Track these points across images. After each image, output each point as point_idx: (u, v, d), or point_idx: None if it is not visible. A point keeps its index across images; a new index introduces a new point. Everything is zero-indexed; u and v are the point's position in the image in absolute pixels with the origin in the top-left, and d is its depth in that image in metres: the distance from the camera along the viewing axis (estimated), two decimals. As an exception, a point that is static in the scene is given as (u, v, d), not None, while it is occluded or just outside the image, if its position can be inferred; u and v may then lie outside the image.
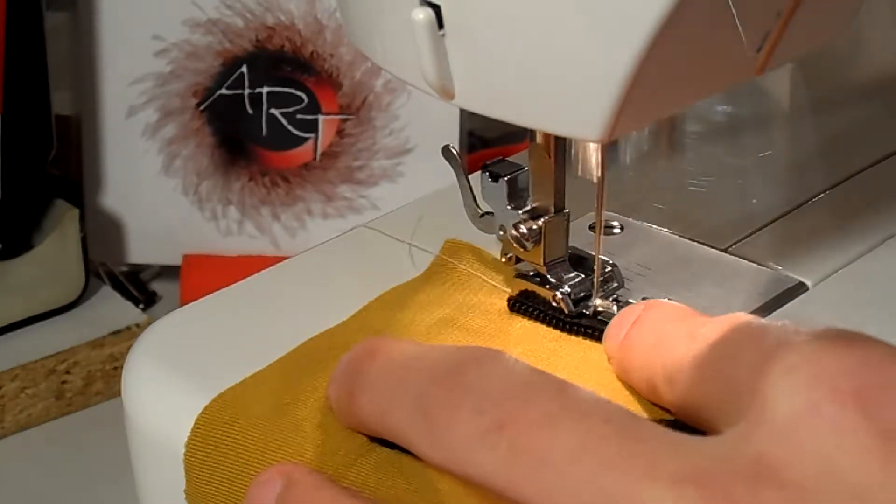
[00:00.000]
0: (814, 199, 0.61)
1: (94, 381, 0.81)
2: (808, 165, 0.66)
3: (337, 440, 0.45)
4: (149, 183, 0.89)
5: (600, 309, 0.50)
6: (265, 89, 0.88)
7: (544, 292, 0.51)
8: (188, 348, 0.52)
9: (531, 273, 0.51)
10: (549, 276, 0.51)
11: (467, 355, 0.34)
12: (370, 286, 0.53)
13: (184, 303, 0.80)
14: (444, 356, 0.34)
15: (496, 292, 0.52)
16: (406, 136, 0.88)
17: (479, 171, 0.52)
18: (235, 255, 0.89)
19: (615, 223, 0.57)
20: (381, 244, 0.58)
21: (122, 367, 0.53)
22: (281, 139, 0.89)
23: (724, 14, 0.41)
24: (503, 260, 0.52)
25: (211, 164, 0.89)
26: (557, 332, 0.50)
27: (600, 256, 0.50)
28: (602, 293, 0.50)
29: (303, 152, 0.89)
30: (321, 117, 0.89)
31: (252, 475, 0.46)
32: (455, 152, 0.52)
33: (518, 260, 0.52)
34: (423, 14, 0.43)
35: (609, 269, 0.50)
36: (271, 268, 0.57)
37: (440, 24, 0.43)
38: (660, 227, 0.57)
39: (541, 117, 0.44)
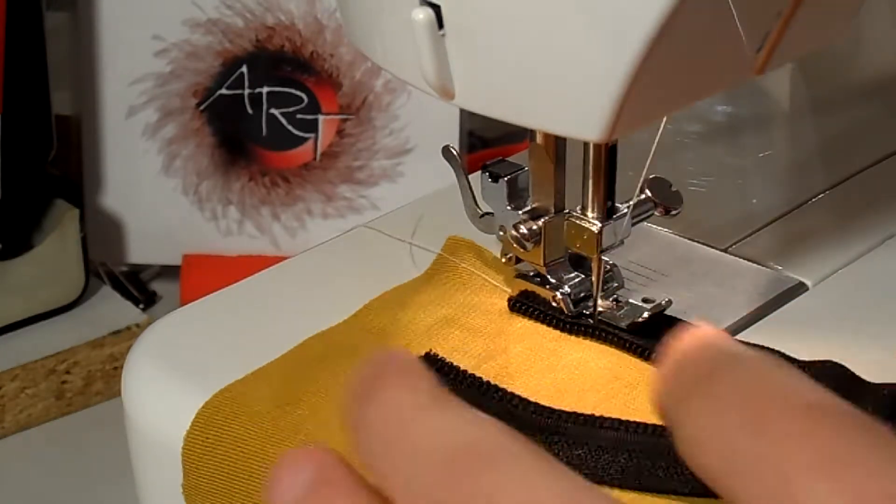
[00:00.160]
0: (814, 199, 0.61)
1: (94, 381, 0.81)
2: (808, 165, 0.66)
3: (338, 437, 0.45)
4: (149, 183, 0.89)
5: (601, 309, 0.50)
6: (265, 89, 0.88)
7: (544, 292, 0.51)
8: (188, 348, 0.52)
9: (531, 273, 0.51)
10: (549, 277, 0.51)
11: (476, 442, 0.25)
12: (370, 286, 0.53)
13: (184, 303, 0.80)
14: (448, 436, 0.25)
15: (497, 292, 0.52)
16: (406, 136, 0.88)
17: (479, 171, 0.52)
18: (235, 255, 0.89)
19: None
20: (381, 244, 0.58)
21: (122, 367, 0.53)
22: (281, 139, 0.89)
23: (724, 14, 0.41)
24: (503, 260, 0.52)
25: (211, 164, 0.89)
26: (557, 332, 0.50)
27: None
28: (602, 293, 0.50)
29: (303, 152, 0.89)
30: (321, 117, 0.89)
31: (251, 471, 0.46)
32: (455, 152, 0.52)
33: (518, 260, 0.52)
34: (423, 14, 0.43)
35: (609, 269, 0.50)
36: (271, 268, 0.57)
37: (440, 24, 0.43)
38: (660, 227, 0.57)
39: (541, 117, 0.44)
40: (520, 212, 0.51)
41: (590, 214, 0.49)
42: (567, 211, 0.50)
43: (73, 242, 0.82)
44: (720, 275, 0.54)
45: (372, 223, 0.60)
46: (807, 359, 0.47)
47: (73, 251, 0.82)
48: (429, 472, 0.24)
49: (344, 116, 0.88)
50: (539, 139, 0.49)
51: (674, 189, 0.51)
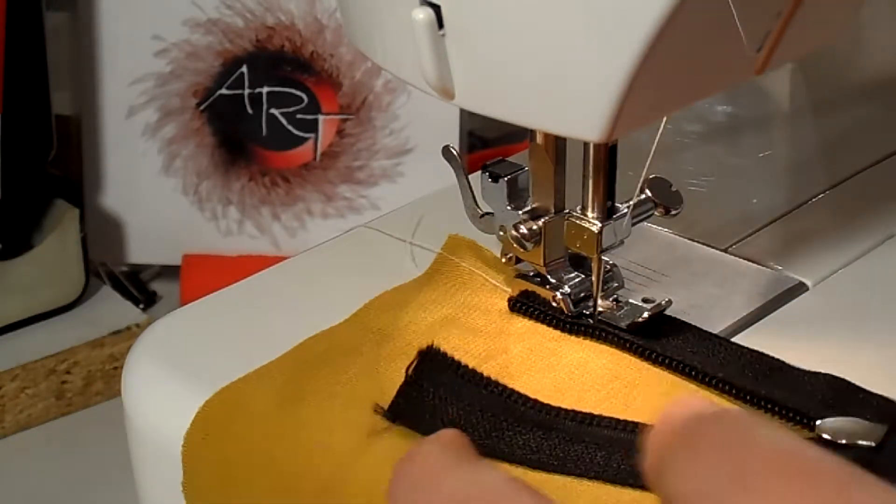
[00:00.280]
0: (814, 199, 0.61)
1: (94, 381, 0.81)
2: (808, 165, 0.66)
3: (340, 436, 0.45)
4: (149, 183, 0.89)
5: (601, 309, 0.50)
6: (265, 89, 0.88)
7: (544, 292, 0.50)
8: (188, 348, 0.52)
9: (531, 273, 0.51)
10: (549, 277, 0.51)
11: (493, 491, 0.27)
12: (370, 286, 0.53)
13: (184, 303, 0.80)
14: (468, 488, 0.27)
15: (497, 292, 0.52)
16: (406, 136, 0.88)
17: (479, 171, 0.52)
18: (235, 255, 0.89)
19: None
20: (381, 244, 0.58)
21: (122, 367, 0.53)
22: (281, 139, 0.89)
23: (724, 14, 0.41)
24: (503, 260, 0.52)
25: (211, 164, 0.89)
26: (557, 332, 0.50)
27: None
28: (602, 293, 0.50)
29: (303, 152, 0.89)
30: (321, 117, 0.89)
31: (250, 470, 0.46)
32: (455, 152, 0.52)
33: (518, 260, 0.52)
34: (423, 14, 0.43)
35: (609, 269, 0.50)
36: (271, 268, 0.57)
37: (440, 24, 0.43)
38: (660, 227, 0.57)
39: (541, 117, 0.44)
40: (520, 212, 0.51)
41: (590, 214, 0.49)
42: (567, 211, 0.50)
43: (73, 242, 0.82)
44: (720, 275, 0.54)
45: (372, 223, 0.60)
46: (807, 360, 0.47)
47: (73, 251, 0.82)
48: None
49: (344, 116, 0.88)
50: (539, 139, 0.49)
51: (674, 189, 0.51)
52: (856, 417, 0.43)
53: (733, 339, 0.49)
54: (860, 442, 0.42)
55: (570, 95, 0.42)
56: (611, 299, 0.50)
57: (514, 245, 0.51)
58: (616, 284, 0.51)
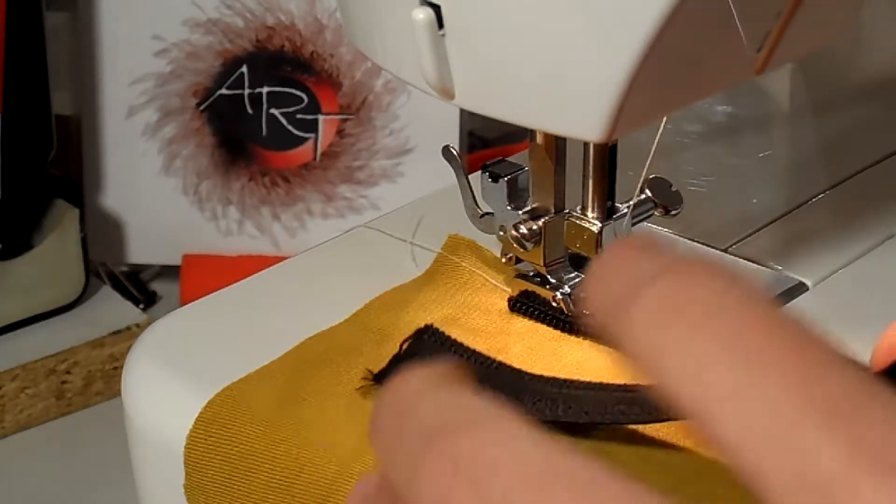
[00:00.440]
0: (814, 199, 0.61)
1: (94, 381, 0.81)
2: (808, 165, 0.66)
3: (342, 435, 0.45)
4: (149, 183, 0.89)
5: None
6: (265, 89, 0.88)
7: (544, 292, 0.51)
8: (188, 348, 0.52)
9: (531, 273, 0.51)
10: (549, 277, 0.51)
11: (467, 410, 0.25)
12: (370, 286, 0.53)
13: (184, 303, 0.80)
14: (443, 406, 0.26)
15: (497, 292, 0.52)
16: (406, 136, 0.88)
17: (479, 171, 0.52)
18: (235, 255, 0.89)
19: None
20: (381, 244, 0.58)
21: (122, 367, 0.53)
22: (281, 139, 0.89)
23: (724, 14, 0.41)
24: (503, 260, 0.52)
25: (211, 164, 0.89)
26: (557, 332, 0.50)
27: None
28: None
29: (303, 152, 0.89)
30: (321, 117, 0.89)
31: (252, 471, 0.46)
32: (455, 152, 0.52)
33: (518, 260, 0.52)
34: (423, 14, 0.43)
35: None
36: (271, 268, 0.57)
37: (440, 24, 0.43)
38: (660, 228, 0.57)
39: (541, 117, 0.44)
40: (520, 212, 0.51)
41: (590, 214, 0.49)
42: (567, 211, 0.50)
43: (73, 242, 0.82)
44: (720, 275, 0.54)
45: (372, 223, 0.60)
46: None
47: (73, 251, 0.82)
48: (412, 436, 0.25)
49: (344, 116, 0.88)
50: (539, 139, 0.49)
51: (674, 189, 0.51)
52: None
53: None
54: None
55: (570, 95, 0.42)
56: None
57: (514, 245, 0.51)
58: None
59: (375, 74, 0.87)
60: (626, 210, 0.49)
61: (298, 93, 0.88)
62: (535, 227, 0.50)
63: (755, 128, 0.69)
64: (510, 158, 0.52)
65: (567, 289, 0.50)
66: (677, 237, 0.57)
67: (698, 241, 0.57)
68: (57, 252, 0.82)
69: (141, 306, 0.86)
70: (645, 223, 0.51)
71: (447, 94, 0.45)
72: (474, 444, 0.24)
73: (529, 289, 0.51)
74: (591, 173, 0.49)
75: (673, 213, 0.51)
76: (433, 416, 0.25)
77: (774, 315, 0.24)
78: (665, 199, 0.50)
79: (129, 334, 0.81)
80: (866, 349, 0.49)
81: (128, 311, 0.84)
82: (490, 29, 0.42)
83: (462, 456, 0.24)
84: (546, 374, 0.48)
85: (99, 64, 0.88)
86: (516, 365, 0.48)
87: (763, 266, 0.55)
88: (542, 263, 0.50)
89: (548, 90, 0.42)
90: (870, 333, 0.46)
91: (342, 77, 0.88)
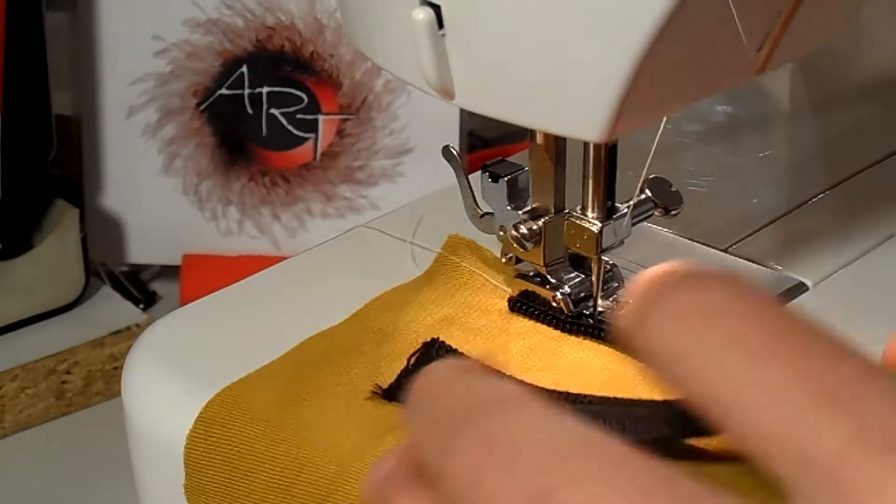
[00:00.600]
0: (814, 199, 0.61)
1: (94, 381, 0.81)
2: (808, 165, 0.66)
3: (342, 435, 0.45)
4: (149, 183, 0.89)
5: (601, 309, 0.50)
6: (265, 89, 0.88)
7: (544, 292, 0.51)
8: (188, 348, 0.52)
9: (531, 273, 0.51)
10: (549, 277, 0.51)
11: (496, 393, 0.26)
12: (370, 286, 0.53)
13: (184, 303, 0.80)
14: (473, 391, 0.27)
15: (497, 292, 0.52)
16: (406, 136, 0.88)
17: (479, 172, 0.52)
18: (235, 255, 0.89)
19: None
20: (381, 244, 0.58)
21: (122, 367, 0.53)
22: (281, 139, 0.89)
23: (724, 14, 0.41)
24: (503, 260, 0.52)
25: (211, 164, 0.89)
26: (557, 332, 0.50)
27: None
28: (602, 293, 0.50)
29: (303, 152, 0.89)
30: (321, 117, 0.89)
31: (252, 471, 0.46)
32: (455, 152, 0.52)
33: (518, 260, 0.52)
34: (423, 14, 0.43)
35: (609, 269, 0.50)
36: (271, 268, 0.57)
37: (440, 24, 0.43)
38: (660, 227, 0.57)
39: (541, 117, 0.44)
40: (520, 212, 0.51)
41: (590, 214, 0.49)
42: (567, 211, 0.50)
43: (73, 242, 0.82)
44: (720, 275, 0.54)
45: (372, 223, 0.60)
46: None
47: (73, 251, 0.82)
48: (444, 420, 0.26)
49: (344, 116, 0.88)
50: (539, 139, 0.49)
51: (674, 189, 0.51)
52: None
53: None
54: None
55: (570, 95, 0.42)
56: (611, 299, 0.50)
57: (514, 245, 0.51)
58: (616, 284, 0.51)
59: (375, 74, 0.87)
60: (626, 210, 0.49)
61: (298, 93, 0.88)
62: (535, 227, 0.50)
63: (755, 128, 0.69)
64: (510, 158, 0.52)
65: (567, 289, 0.50)
66: (676, 237, 0.57)
67: (698, 241, 0.57)
68: (57, 252, 0.82)
69: (141, 306, 0.86)
70: (645, 223, 0.51)
71: (447, 94, 0.45)
72: (505, 424, 0.25)
73: (529, 289, 0.51)
74: (591, 173, 0.49)
75: (673, 213, 0.51)
76: (465, 398, 0.26)
77: (781, 313, 0.25)
78: (665, 199, 0.50)
79: (129, 334, 0.81)
80: (866, 349, 0.49)
81: (128, 311, 0.84)
82: (490, 29, 0.42)
83: (493, 435, 0.25)
84: (549, 376, 0.48)
85: (99, 64, 0.88)
86: (516, 365, 0.48)
87: (763, 266, 0.55)
88: (542, 263, 0.50)
89: (548, 90, 0.42)
90: (870, 333, 0.46)
91: (342, 77, 0.88)
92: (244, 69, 0.88)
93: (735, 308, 0.25)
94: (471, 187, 0.52)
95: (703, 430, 0.26)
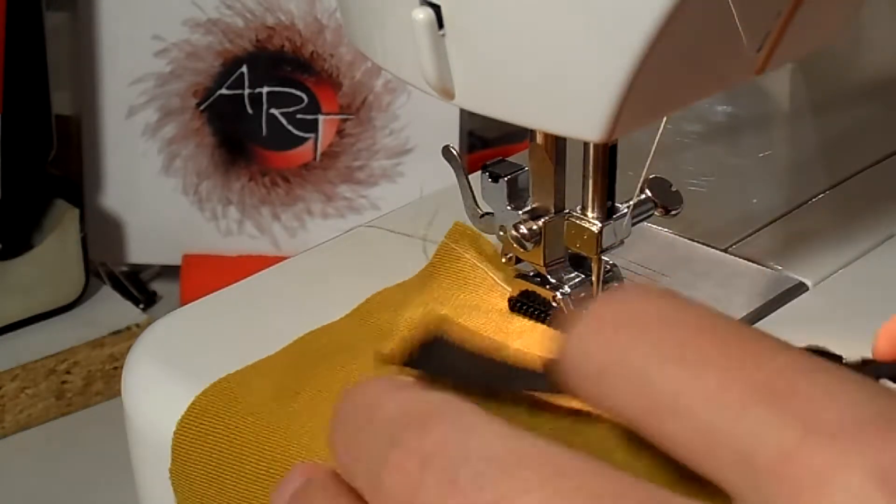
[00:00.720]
0: (814, 199, 0.61)
1: (94, 381, 0.81)
2: (808, 165, 0.66)
3: None
4: (149, 183, 0.89)
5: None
6: (265, 89, 0.88)
7: (544, 292, 0.50)
8: (188, 348, 0.52)
9: (531, 273, 0.51)
10: (549, 277, 0.51)
11: (429, 406, 0.25)
12: (370, 286, 0.53)
13: (184, 303, 0.80)
14: (404, 406, 0.25)
15: (497, 292, 0.52)
16: (406, 136, 0.88)
17: (479, 172, 0.52)
18: (235, 255, 0.89)
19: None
20: (381, 244, 0.58)
21: (122, 367, 0.53)
22: (281, 139, 0.89)
23: (724, 14, 0.41)
24: (503, 260, 0.52)
25: (211, 164, 0.89)
26: (557, 332, 0.50)
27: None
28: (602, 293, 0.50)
29: (303, 152, 0.89)
30: (321, 117, 0.89)
31: (242, 461, 0.46)
32: (455, 152, 0.52)
33: (518, 260, 0.52)
34: (423, 14, 0.43)
35: (609, 269, 0.50)
36: (271, 268, 0.57)
37: (440, 24, 0.43)
38: (660, 227, 0.57)
39: (541, 117, 0.44)
40: (520, 212, 0.51)
41: (590, 214, 0.49)
42: (567, 211, 0.50)
43: (73, 242, 0.82)
44: (720, 275, 0.54)
45: (372, 223, 0.60)
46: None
47: (73, 251, 0.82)
48: (375, 437, 0.25)
49: (344, 116, 0.88)
50: (539, 139, 0.49)
51: (674, 189, 0.51)
52: None
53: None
54: None
55: (570, 95, 0.42)
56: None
57: (514, 245, 0.51)
58: (616, 284, 0.51)
59: (375, 74, 0.87)
60: (626, 210, 0.49)
61: (298, 93, 0.88)
62: (535, 227, 0.50)
63: (755, 128, 0.69)
64: (510, 158, 0.52)
65: (567, 289, 0.50)
66: (676, 237, 0.57)
67: (698, 241, 0.57)
68: (57, 252, 0.82)
69: (141, 306, 0.86)
70: (645, 223, 0.51)
71: (447, 94, 0.45)
72: (440, 437, 0.24)
73: (529, 289, 0.51)
74: (591, 173, 0.49)
75: (673, 213, 0.51)
76: (395, 413, 0.25)
77: (705, 315, 0.24)
78: (665, 199, 0.50)
79: (129, 334, 0.81)
80: (867, 349, 0.49)
81: (128, 311, 0.84)
82: (490, 29, 0.42)
83: (428, 449, 0.23)
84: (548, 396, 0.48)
85: (99, 64, 0.88)
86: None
87: (763, 266, 0.55)
88: (542, 263, 0.50)
89: (548, 90, 0.42)
90: (870, 333, 0.46)
91: (342, 77, 0.88)
92: (244, 69, 0.88)
93: (652, 314, 0.24)
94: (471, 187, 0.52)
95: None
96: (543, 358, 0.47)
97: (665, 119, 0.48)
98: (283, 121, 0.89)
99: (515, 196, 0.51)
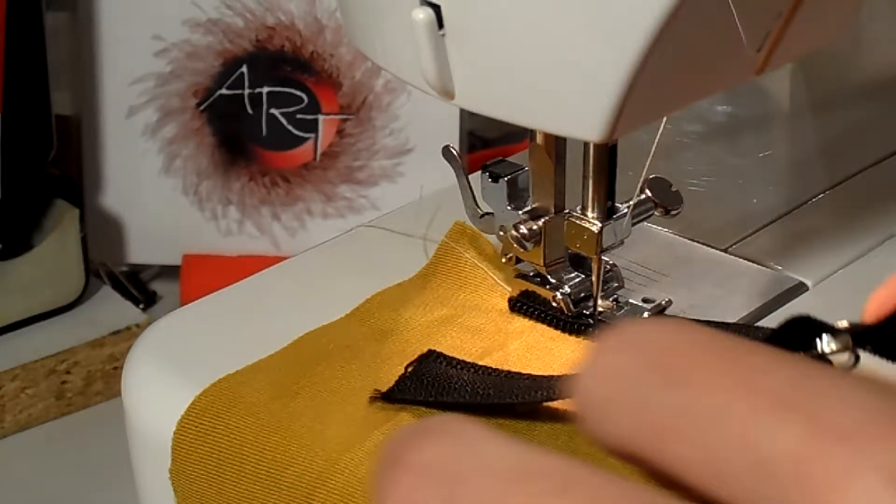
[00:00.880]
0: (814, 199, 0.61)
1: (94, 381, 0.81)
2: (808, 165, 0.66)
3: (333, 428, 0.45)
4: (149, 183, 0.89)
5: (601, 309, 0.50)
6: (265, 89, 0.88)
7: (544, 292, 0.50)
8: (188, 348, 0.52)
9: (531, 273, 0.51)
10: (549, 277, 0.51)
11: (431, 423, 0.24)
12: (370, 286, 0.53)
13: (184, 303, 0.80)
14: (401, 433, 0.25)
15: (497, 292, 0.52)
16: (406, 136, 0.88)
17: (479, 172, 0.52)
18: (235, 255, 0.89)
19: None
20: (382, 244, 0.58)
21: (122, 367, 0.53)
22: (281, 139, 0.89)
23: (724, 14, 0.41)
24: (503, 260, 0.52)
25: (211, 164, 0.89)
26: (557, 332, 0.50)
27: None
28: (602, 293, 0.50)
29: (303, 152, 0.89)
30: (321, 117, 0.89)
31: (242, 460, 0.46)
32: (455, 152, 0.52)
33: (518, 260, 0.52)
34: (423, 14, 0.43)
35: (609, 269, 0.50)
36: (271, 268, 0.57)
37: (440, 24, 0.43)
38: (660, 227, 0.57)
39: (541, 117, 0.44)
40: (520, 212, 0.51)
41: (590, 214, 0.49)
42: (567, 211, 0.50)
43: (73, 242, 0.82)
44: (720, 275, 0.54)
45: (372, 223, 0.60)
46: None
47: (73, 251, 0.82)
48: (383, 463, 0.24)
49: (344, 116, 0.88)
50: (539, 139, 0.49)
51: (674, 189, 0.51)
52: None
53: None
54: None
55: (570, 95, 0.42)
56: (611, 299, 0.50)
57: (514, 245, 0.51)
58: (616, 284, 0.51)
59: (375, 74, 0.87)
60: (626, 210, 0.49)
61: (298, 93, 0.88)
62: (535, 227, 0.50)
63: (755, 128, 0.69)
64: (510, 158, 0.52)
65: (567, 289, 0.50)
66: (676, 237, 0.57)
67: (698, 241, 0.57)
68: (57, 252, 0.82)
69: (141, 306, 0.86)
70: (645, 223, 0.51)
71: (447, 94, 0.45)
72: (443, 450, 0.23)
73: (529, 289, 0.51)
74: (591, 173, 0.49)
75: (673, 213, 0.51)
76: (400, 436, 0.24)
77: (712, 339, 0.23)
78: (665, 199, 0.50)
79: (129, 334, 0.81)
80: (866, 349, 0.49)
81: (128, 311, 0.84)
82: (490, 29, 0.42)
83: (427, 465, 0.23)
84: (542, 373, 0.48)
85: (99, 64, 0.88)
86: (513, 362, 0.48)
87: (763, 266, 0.55)
88: (542, 263, 0.50)
89: (548, 90, 0.42)
90: (870, 333, 0.46)
91: (342, 77, 0.88)
92: (244, 69, 0.88)
93: (657, 343, 0.23)
94: (471, 187, 0.52)
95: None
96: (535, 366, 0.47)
97: (665, 119, 0.48)
98: (283, 121, 0.89)
99: (515, 196, 0.51)
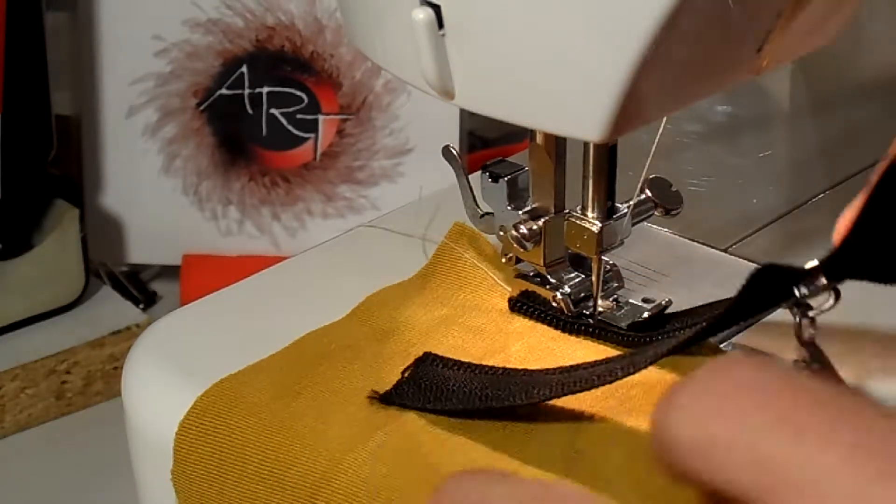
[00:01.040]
0: (814, 199, 0.61)
1: (94, 381, 0.81)
2: (808, 165, 0.66)
3: (335, 428, 0.45)
4: (149, 183, 0.89)
5: (601, 309, 0.50)
6: (265, 89, 0.88)
7: (545, 292, 0.51)
8: (188, 348, 0.52)
9: (531, 273, 0.51)
10: (549, 277, 0.51)
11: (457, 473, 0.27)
12: (370, 286, 0.53)
13: (184, 303, 0.80)
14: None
15: (497, 292, 0.52)
16: (406, 136, 0.88)
17: (479, 172, 0.52)
18: (235, 255, 0.89)
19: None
20: (382, 244, 0.58)
21: (122, 367, 0.53)
22: (281, 139, 0.89)
23: (724, 14, 0.41)
24: (503, 260, 0.52)
25: (211, 164, 0.89)
26: (557, 332, 0.50)
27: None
28: (602, 293, 0.50)
29: (303, 152, 0.89)
30: (321, 117, 0.89)
31: (244, 461, 0.46)
32: (455, 152, 0.52)
33: (518, 260, 0.52)
34: (424, 14, 0.43)
35: (609, 269, 0.50)
36: (271, 268, 0.57)
37: (440, 24, 0.43)
38: (660, 227, 0.57)
39: (541, 117, 0.44)
40: (520, 212, 0.51)
41: (590, 214, 0.49)
42: (567, 211, 0.50)
43: (73, 242, 0.82)
44: (720, 275, 0.54)
45: (372, 223, 0.60)
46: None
47: (73, 251, 0.82)
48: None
49: (344, 116, 0.88)
50: (539, 139, 0.49)
51: (674, 189, 0.51)
52: None
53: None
54: None
55: (570, 95, 0.42)
56: (611, 299, 0.50)
57: (514, 245, 0.51)
58: (616, 284, 0.51)
59: (375, 74, 0.87)
60: (626, 210, 0.49)
61: (298, 93, 0.88)
62: (535, 227, 0.50)
63: (755, 128, 0.69)
64: (510, 158, 0.52)
65: (567, 289, 0.50)
66: (676, 237, 0.57)
67: (698, 241, 0.57)
68: (57, 252, 0.82)
69: (141, 306, 0.86)
70: (645, 223, 0.51)
71: (447, 94, 0.45)
72: (470, 484, 0.25)
73: (529, 289, 0.51)
74: (591, 173, 0.49)
75: (673, 213, 0.51)
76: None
77: (813, 386, 0.24)
78: (665, 199, 0.50)
79: (129, 334, 0.81)
80: (866, 349, 0.49)
81: (128, 311, 0.84)
82: (490, 29, 0.42)
83: (459, 493, 0.25)
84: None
85: (99, 64, 0.88)
86: (514, 363, 0.48)
87: (763, 266, 0.55)
88: (542, 263, 0.50)
89: (548, 90, 0.42)
90: (870, 333, 0.46)
91: (342, 77, 0.88)
92: (244, 69, 0.88)
93: (760, 384, 0.24)
94: (471, 187, 0.52)
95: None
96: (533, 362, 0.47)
97: (665, 119, 0.48)
98: (283, 121, 0.89)
99: (515, 196, 0.51)
